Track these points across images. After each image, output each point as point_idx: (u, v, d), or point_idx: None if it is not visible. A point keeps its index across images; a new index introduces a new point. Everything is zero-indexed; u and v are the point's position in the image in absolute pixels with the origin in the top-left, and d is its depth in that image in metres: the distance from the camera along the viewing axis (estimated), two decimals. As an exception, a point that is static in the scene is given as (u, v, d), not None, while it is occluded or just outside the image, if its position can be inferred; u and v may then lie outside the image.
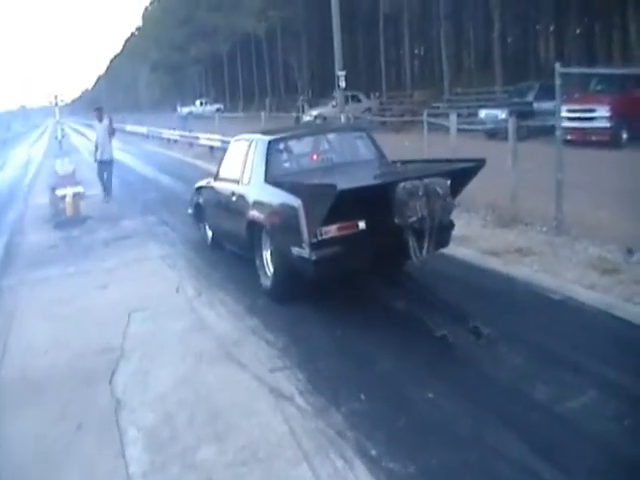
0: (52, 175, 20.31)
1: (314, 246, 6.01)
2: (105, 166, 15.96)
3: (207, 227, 9.73)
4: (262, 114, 24.00)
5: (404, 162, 7.64)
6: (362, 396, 4.71)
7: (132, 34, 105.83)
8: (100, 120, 16.30)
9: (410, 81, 40.88)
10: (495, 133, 18.07)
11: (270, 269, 7.10)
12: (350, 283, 6.99)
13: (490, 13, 34.05)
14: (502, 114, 20.44)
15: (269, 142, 7.51)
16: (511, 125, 9.88)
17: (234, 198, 7.87)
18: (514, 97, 23.50)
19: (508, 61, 34.78)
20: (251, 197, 7.36)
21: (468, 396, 4.61)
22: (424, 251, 5.90)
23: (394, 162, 7.67)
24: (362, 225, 6.13)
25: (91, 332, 6.76)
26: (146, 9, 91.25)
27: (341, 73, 17.53)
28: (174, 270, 8.79)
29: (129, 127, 50.87)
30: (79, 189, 17.41)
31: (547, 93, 21.07)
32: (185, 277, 8.39)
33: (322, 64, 47.41)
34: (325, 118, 29.45)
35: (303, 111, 34.12)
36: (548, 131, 14.51)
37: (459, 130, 12.88)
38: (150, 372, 5.58)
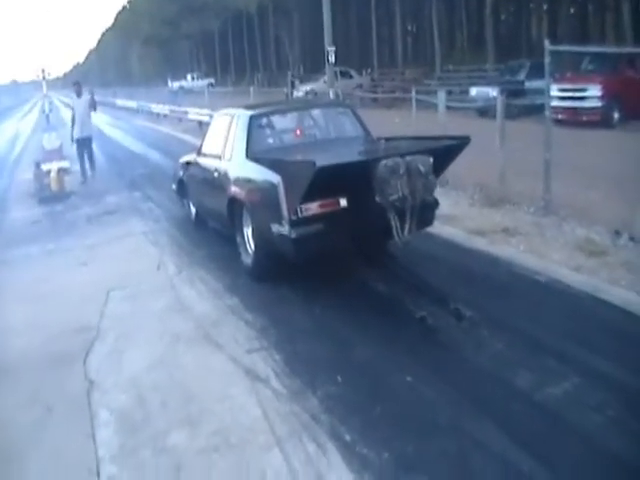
0: (39, 150, 20.21)
1: (294, 223, 5.87)
2: (85, 144, 14.90)
3: (190, 203, 9.60)
4: (251, 89, 23.69)
5: (388, 139, 7.45)
6: (339, 378, 4.61)
7: (123, 7, 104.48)
8: (79, 95, 15.02)
9: (402, 58, 40.65)
10: (486, 111, 17.89)
11: (251, 247, 6.99)
12: (331, 263, 6.86)
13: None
14: (493, 92, 20.17)
15: (250, 117, 7.33)
16: (499, 104, 9.72)
17: (216, 174, 7.70)
18: (505, 75, 23.31)
19: (501, 39, 34.55)
20: (232, 173, 7.20)
21: (447, 380, 4.52)
22: (406, 230, 5.72)
23: (379, 139, 7.47)
24: (344, 203, 5.96)
25: (68, 311, 6.62)
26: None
27: (331, 49, 17.27)
28: (156, 247, 8.65)
29: (120, 101, 50.45)
30: (65, 164, 17.15)
31: (538, 72, 20.75)
32: (167, 254, 8.25)
33: (314, 40, 47.02)
34: (316, 94, 29.17)
35: (293, 87, 33.73)
36: (539, 110, 14.42)
37: (450, 108, 12.74)
38: (125, 352, 5.45)
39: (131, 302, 6.67)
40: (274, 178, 6.02)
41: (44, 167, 14.43)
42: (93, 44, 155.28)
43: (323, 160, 5.43)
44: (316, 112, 8.06)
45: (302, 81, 37.78)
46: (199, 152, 8.70)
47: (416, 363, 4.77)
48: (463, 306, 5.36)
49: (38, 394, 4.92)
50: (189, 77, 65.75)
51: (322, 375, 4.69)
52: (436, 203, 6.63)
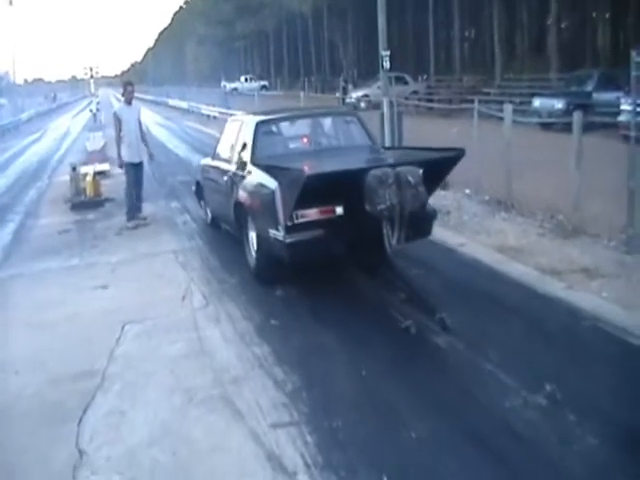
0: (83, 150, 19.67)
1: (289, 229, 6.04)
2: (137, 172, 10.46)
3: (206, 205, 9.70)
4: (301, 94, 22.77)
5: (389, 148, 7.84)
6: None
7: (180, 8, 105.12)
8: (129, 101, 10.51)
9: (460, 64, 39.22)
10: (550, 124, 16.64)
11: (254, 249, 7.04)
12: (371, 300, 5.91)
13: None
14: (558, 104, 19.00)
15: (257, 123, 7.48)
16: (576, 120, 8.53)
17: (225, 178, 7.85)
18: (571, 86, 21.86)
19: (563, 47, 32.91)
20: (238, 178, 7.34)
21: None
22: (395, 239, 5.70)
23: (385, 148, 7.70)
24: (339, 211, 6.09)
25: (76, 347, 5.80)
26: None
27: (385, 53, 16.13)
28: (185, 270, 7.77)
29: (172, 101, 50.34)
30: (105, 167, 16.58)
31: (608, 82, 19.64)
32: (195, 280, 7.36)
33: (368, 44, 45.98)
34: (370, 101, 28.11)
35: (345, 92, 32.78)
36: (609, 124, 13.18)
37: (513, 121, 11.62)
38: (127, 414, 4.52)
39: (146, 341, 5.78)
40: (272, 184, 6.23)
41: (82, 170, 13.78)
42: (151, 43, 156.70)
43: (317, 168, 5.77)
44: (323, 120, 8.16)
45: (355, 86, 36.84)
46: (214, 156, 8.84)
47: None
48: (548, 382, 4.30)
49: (17, 465, 4.04)
50: (242, 79, 65.32)
51: (366, 471, 3.68)
52: (434, 214, 6.71)
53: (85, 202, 12.46)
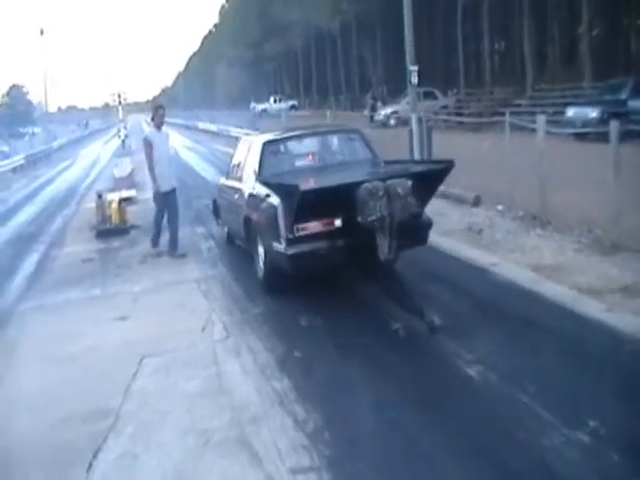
0: (110, 177, 19.67)
1: (289, 242, 6.44)
2: (170, 199, 9.91)
3: (223, 223, 10.15)
4: (328, 113, 22.53)
5: (390, 162, 7.92)
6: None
7: (210, 32, 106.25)
8: (159, 126, 9.95)
9: (490, 77, 38.74)
10: (585, 134, 16.16)
11: (262, 262, 7.40)
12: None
13: (575, 5, 31.71)
14: (593, 112, 18.47)
15: (263, 143, 7.95)
16: (613, 129, 8.15)
17: (236, 195, 8.35)
18: (605, 94, 21.32)
19: (594, 56, 32.29)
20: (247, 194, 7.78)
21: None
22: (386, 248, 5.89)
23: (387, 162, 7.88)
24: (338, 223, 6.40)
25: (91, 383, 5.61)
26: (223, 6, 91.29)
27: (413, 68, 15.88)
28: (207, 300, 7.53)
29: (201, 124, 50.62)
30: (132, 193, 16.51)
31: (644, 90, 19.13)
32: (217, 310, 7.11)
33: (397, 59, 45.59)
34: (399, 117, 27.81)
35: (373, 109, 32.48)
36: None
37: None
38: (139, 458, 4.26)
39: (163, 377, 5.53)
40: (275, 200, 6.63)
41: (109, 197, 13.70)
42: (181, 67, 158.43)
43: (313, 184, 6.22)
44: (327, 137, 8.45)
45: (384, 103, 36.57)
46: (227, 175, 9.35)
47: None
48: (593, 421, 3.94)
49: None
50: (272, 99, 65.46)
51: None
52: (429, 223, 6.96)
53: (110, 229, 12.33)
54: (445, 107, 30.06)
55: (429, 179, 6.69)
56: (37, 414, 5.09)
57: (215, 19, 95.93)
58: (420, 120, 14.91)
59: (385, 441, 4.14)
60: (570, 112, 20.16)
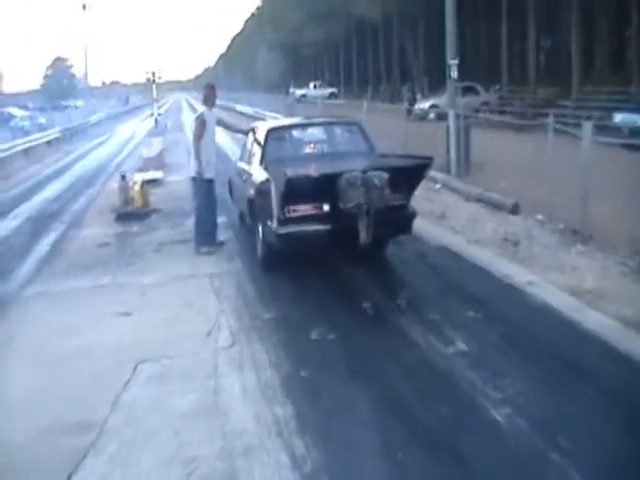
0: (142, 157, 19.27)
1: (280, 222, 6.95)
2: (210, 190, 9.13)
3: (234, 202, 10.68)
4: (364, 104, 21.80)
5: (385, 155, 8.54)
6: None
7: (252, 14, 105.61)
8: (210, 105, 9.22)
9: (535, 75, 37.65)
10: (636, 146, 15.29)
11: (260, 240, 7.86)
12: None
13: (624, 6, 30.50)
14: (642, 119, 17.61)
15: (268, 130, 8.56)
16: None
17: (244, 177, 8.89)
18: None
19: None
20: (252, 177, 8.25)
21: None
22: (364, 234, 6.63)
23: (380, 155, 8.41)
24: (326, 208, 6.97)
25: (79, 390, 5.16)
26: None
27: (453, 62, 15.26)
28: (218, 298, 7.06)
29: (239, 107, 50.42)
30: (158, 174, 16.11)
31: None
32: (226, 311, 6.63)
33: (440, 52, 44.64)
34: (439, 111, 27.01)
35: (411, 102, 31.65)
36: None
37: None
38: (114, 488, 3.79)
39: (156, 388, 5.05)
40: (271, 184, 7.01)
41: (136, 177, 13.32)
42: (223, 49, 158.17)
43: (299, 172, 6.82)
44: (328, 128, 8.93)
45: (424, 95, 35.74)
46: (240, 158, 9.86)
47: None
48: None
49: None
50: (311, 85, 64.78)
51: None
52: (413, 213, 7.49)
53: (131, 213, 11.92)
54: (486, 103, 29.21)
55: (407, 174, 7.30)
56: (15, 423, 4.65)
57: (258, 1, 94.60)
58: (458, 116, 14.27)
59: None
60: (618, 117, 19.26)
